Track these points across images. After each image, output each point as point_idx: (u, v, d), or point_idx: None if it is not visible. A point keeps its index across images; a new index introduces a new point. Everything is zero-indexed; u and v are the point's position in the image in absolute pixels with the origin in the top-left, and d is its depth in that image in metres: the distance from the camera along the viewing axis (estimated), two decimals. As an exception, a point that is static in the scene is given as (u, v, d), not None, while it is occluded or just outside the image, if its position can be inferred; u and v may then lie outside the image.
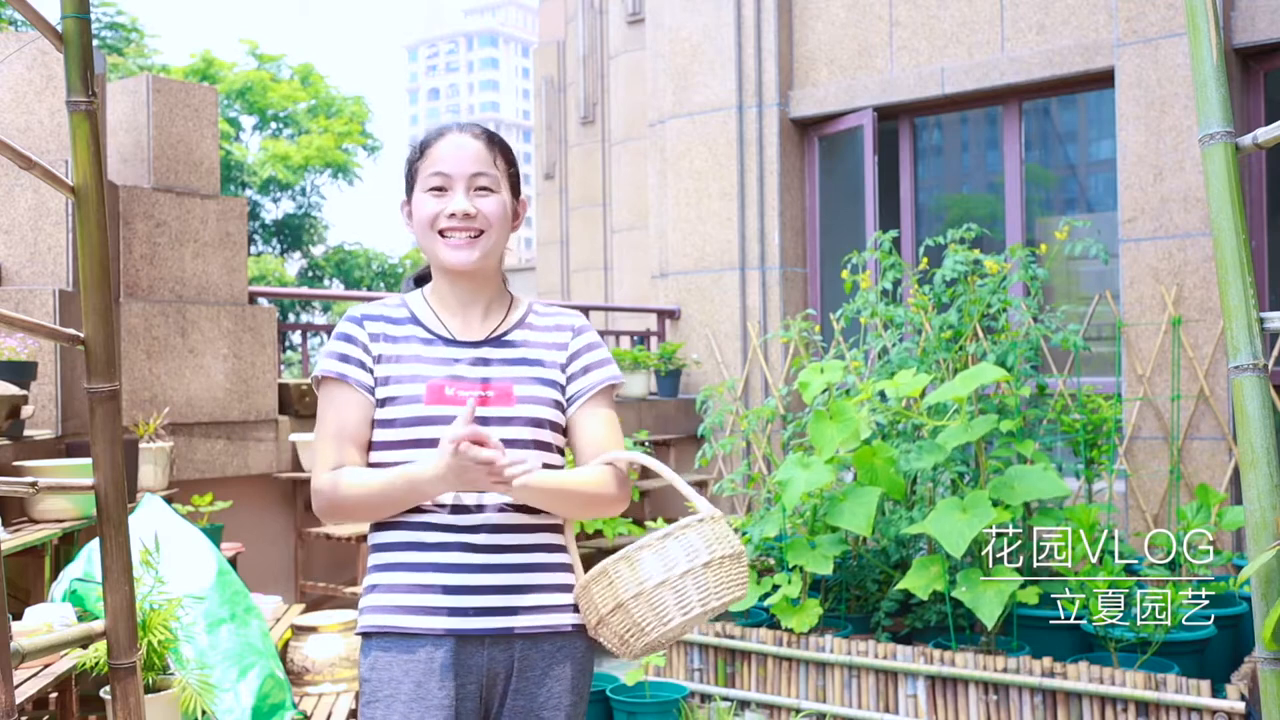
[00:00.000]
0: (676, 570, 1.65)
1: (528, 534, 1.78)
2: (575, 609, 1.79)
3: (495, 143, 1.82)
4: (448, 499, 1.74)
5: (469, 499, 1.75)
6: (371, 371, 1.79)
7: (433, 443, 1.70)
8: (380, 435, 1.77)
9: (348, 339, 1.81)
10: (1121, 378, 5.56)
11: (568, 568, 1.82)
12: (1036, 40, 6.17)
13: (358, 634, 1.80)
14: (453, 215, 1.76)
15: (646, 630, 1.68)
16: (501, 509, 1.75)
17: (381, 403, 1.78)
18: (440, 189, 1.77)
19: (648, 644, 1.71)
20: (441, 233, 1.77)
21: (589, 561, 1.80)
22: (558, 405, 1.82)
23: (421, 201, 1.79)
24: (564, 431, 1.85)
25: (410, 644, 1.72)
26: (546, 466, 1.77)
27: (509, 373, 1.79)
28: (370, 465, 1.78)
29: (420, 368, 1.77)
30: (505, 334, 1.83)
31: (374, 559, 1.80)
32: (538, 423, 1.78)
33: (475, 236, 1.77)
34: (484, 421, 1.73)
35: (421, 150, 1.81)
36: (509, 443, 1.72)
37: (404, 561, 1.75)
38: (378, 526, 1.79)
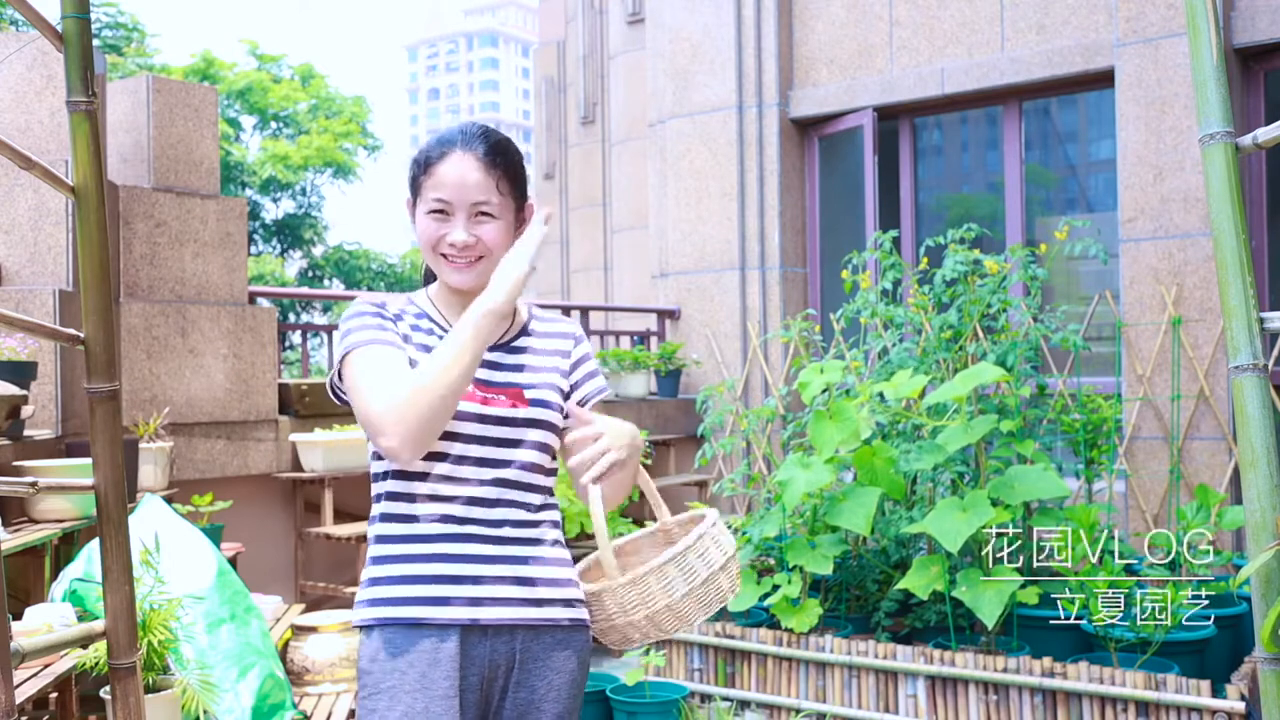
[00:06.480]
0: (699, 579, 1.79)
1: (534, 528, 1.80)
2: (576, 603, 1.82)
3: (498, 165, 1.78)
4: (461, 490, 1.75)
5: (481, 491, 1.76)
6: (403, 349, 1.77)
7: (449, 436, 1.73)
8: None
9: (377, 315, 1.77)
10: (1121, 378, 5.56)
11: (569, 562, 1.85)
12: (1036, 40, 6.17)
13: (357, 625, 1.77)
14: (452, 245, 1.77)
15: (668, 631, 1.82)
16: (511, 503, 1.77)
17: None
18: (441, 212, 1.77)
19: (660, 638, 1.85)
20: (443, 255, 1.79)
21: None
22: (560, 410, 1.86)
23: (424, 222, 1.79)
24: (560, 434, 1.87)
25: (416, 634, 1.71)
26: (539, 468, 1.82)
27: (518, 378, 1.83)
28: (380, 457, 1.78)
29: None
30: (511, 341, 1.87)
31: (377, 550, 1.78)
32: (545, 425, 1.82)
33: (475, 261, 1.79)
34: (494, 421, 1.77)
35: (424, 166, 1.79)
36: (518, 444, 1.78)
37: (410, 553, 1.75)
38: (386, 518, 1.77)
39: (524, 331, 1.89)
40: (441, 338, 1.81)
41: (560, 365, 1.88)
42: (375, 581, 1.76)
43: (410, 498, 1.76)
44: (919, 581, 3.98)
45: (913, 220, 6.91)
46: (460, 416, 1.75)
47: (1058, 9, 6.10)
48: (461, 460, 1.75)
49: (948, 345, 4.65)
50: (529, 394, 1.81)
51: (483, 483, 1.76)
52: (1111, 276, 5.86)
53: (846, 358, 5.26)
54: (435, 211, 1.77)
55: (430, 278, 1.94)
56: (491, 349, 1.83)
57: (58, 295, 3.81)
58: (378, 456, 1.80)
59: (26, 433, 3.60)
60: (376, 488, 1.81)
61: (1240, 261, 1.72)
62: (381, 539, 1.78)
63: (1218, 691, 3.57)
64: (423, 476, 1.75)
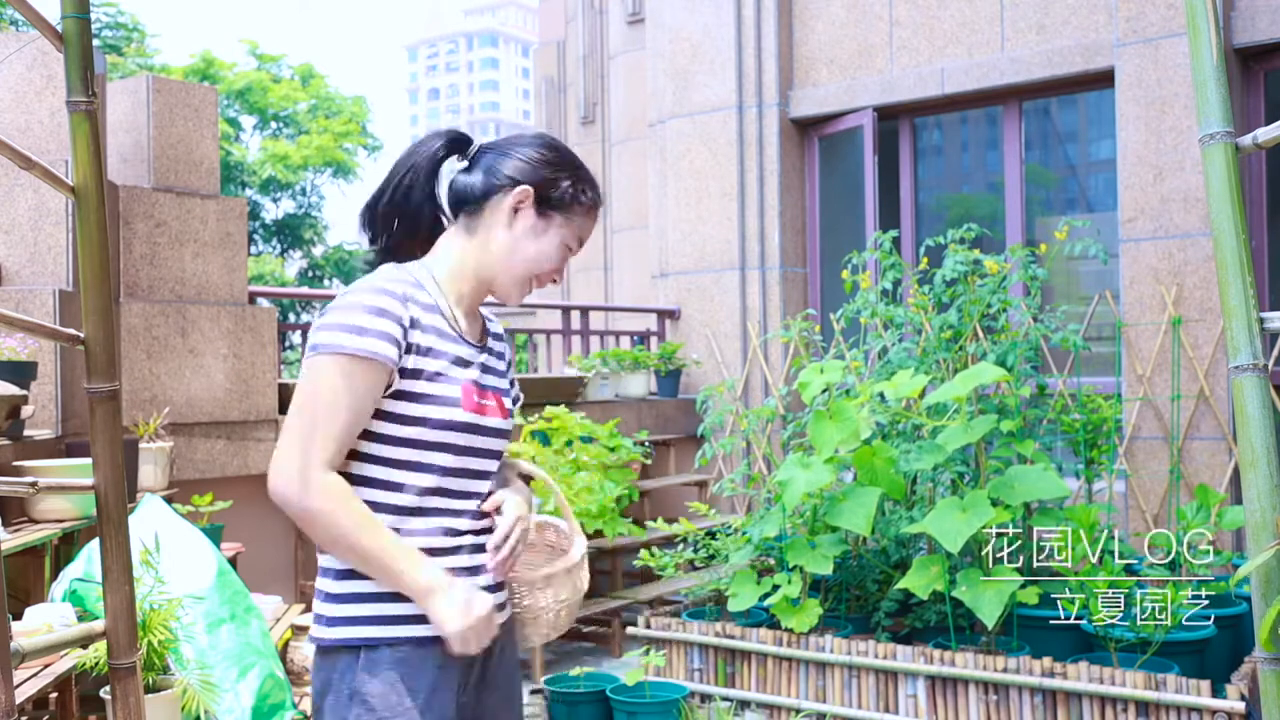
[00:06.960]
0: (579, 594, 1.95)
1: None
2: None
3: None
4: (462, 504, 1.72)
5: (477, 504, 1.75)
6: (401, 361, 1.64)
7: (465, 450, 1.69)
8: (408, 432, 1.65)
9: (395, 319, 1.62)
10: (1121, 378, 5.56)
11: None
12: (1036, 40, 6.17)
13: (346, 644, 1.65)
14: (552, 278, 1.83)
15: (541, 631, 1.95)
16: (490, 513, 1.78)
17: (405, 396, 1.64)
18: (567, 249, 1.81)
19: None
20: (533, 279, 1.81)
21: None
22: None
23: (550, 247, 1.78)
24: None
25: (426, 651, 1.67)
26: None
27: (498, 382, 1.81)
28: (388, 461, 1.65)
29: (455, 369, 1.70)
30: (488, 342, 1.84)
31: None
32: (510, 434, 1.83)
33: None
34: (488, 432, 1.74)
35: (585, 206, 1.80)
36: (498, 455, 1.79)
37: None
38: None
39: (488, 331, 1.86)
40: (457, 341, 1.71)
41: (505, 370, 1.89)
42: (373, 598, 1.65)
43: (407, 510, 1.67)
44: (919, 581, 3.98)
45: (913, 220, 6.91)
46: (458, 428, 1.68)
47: (1058, 9, 6.10)
48: (462, 473, 1.71)
49: (948, 345, 4.65)
50: (505, 401, 1.81)
51: (478, 496, 1.75)
52: (1111, 276, 5.86)
53: (846, 358, 5.26)
54: (566, 248, 1.80)
55: (387, 256, 1.79)
56: (472, 346, 1.76)
57: (58, 295, 3.81)
58: (358, 457, 1.66)
59: (26, 433, 3.60)
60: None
61: (1240, 261, 1.72)
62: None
63: (1218, 691, 3.57)
64: (427, 492, 1.69)
